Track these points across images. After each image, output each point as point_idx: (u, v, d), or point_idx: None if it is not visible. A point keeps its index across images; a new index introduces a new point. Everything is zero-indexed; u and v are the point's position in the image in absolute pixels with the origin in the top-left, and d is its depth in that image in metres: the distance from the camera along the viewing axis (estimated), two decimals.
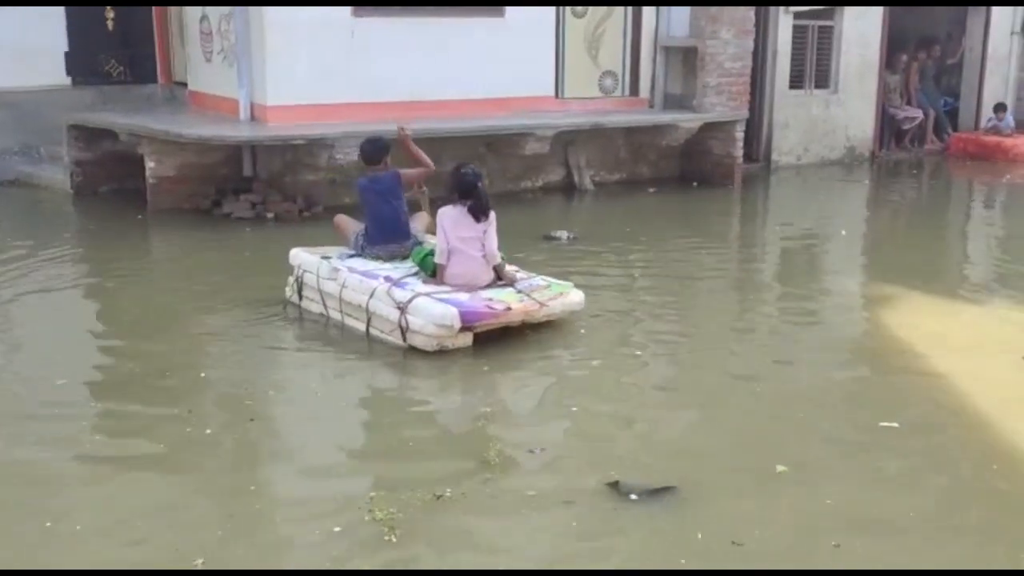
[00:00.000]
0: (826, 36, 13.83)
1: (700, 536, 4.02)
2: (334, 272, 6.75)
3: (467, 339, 6.17)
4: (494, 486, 4.44)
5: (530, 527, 4.14)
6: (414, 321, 6.14)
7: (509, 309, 6.26)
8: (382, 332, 6.39)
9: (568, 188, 12.10)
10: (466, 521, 4.18)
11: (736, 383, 5.78)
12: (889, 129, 15.06)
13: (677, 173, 12.84)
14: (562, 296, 6.56)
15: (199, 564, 3.84)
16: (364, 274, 6.65)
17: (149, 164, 10.31)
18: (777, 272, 8.88)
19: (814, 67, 13.88)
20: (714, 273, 8.45)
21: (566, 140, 11.80)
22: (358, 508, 4.22)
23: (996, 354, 6.23)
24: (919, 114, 15.23)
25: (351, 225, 7.30)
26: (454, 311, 6.06)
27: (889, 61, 14.65)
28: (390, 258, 6.97)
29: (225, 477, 4.64)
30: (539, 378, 5.92)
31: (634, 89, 12.49)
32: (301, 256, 7.09)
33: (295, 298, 7.07)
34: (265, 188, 10.46)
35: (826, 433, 5.07)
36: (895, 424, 5.13)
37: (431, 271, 6.60)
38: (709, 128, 12.23)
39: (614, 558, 3.92)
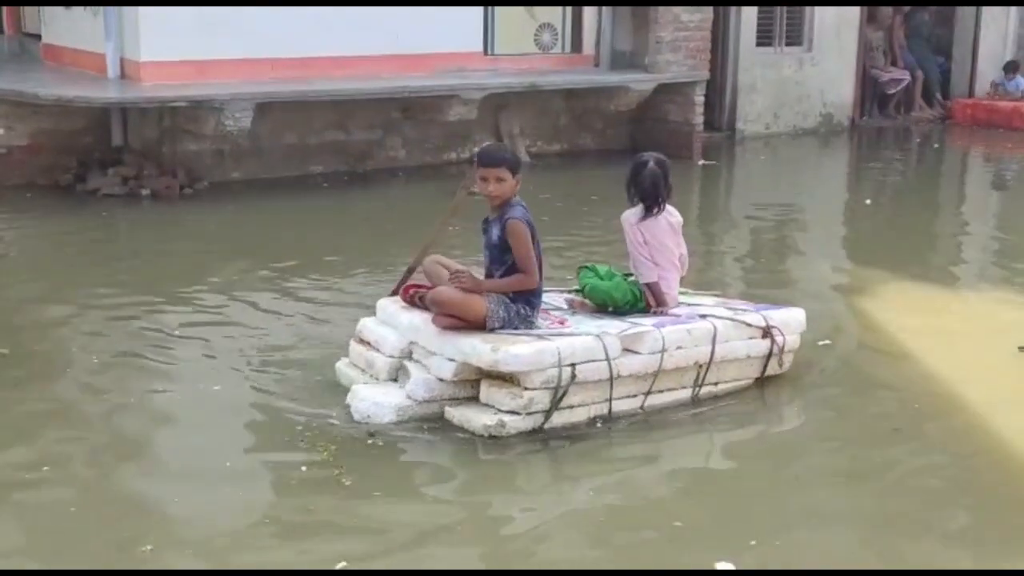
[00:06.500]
0: None
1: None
2: (635, 339, 5.30)
3: None
4: None
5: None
6: (792, 340, 5.81)
7: None
8: (720, 383, 5.62)
9: None
10: None
11: None
12: (871, 93, 15.07)
13: (627, 144, 12.63)
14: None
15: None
16: (674, 322, 5.51)
17: None
18: (744, 259, 8.77)
19: (785, 21, 13.81)
20: None
21: (497, 104, 11.70)
22: None
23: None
24: (905, 76, 15.25)
25: (482, 302, 5.23)
26: (803, 311, 5.99)
27: (871, 14, 14.65)
28: None
29: None
30: None
31: (576, 45, 12.41)
32: (568, 347, 5.11)
33: (531, 422, 5.10)
34: (139, 160, 10.28)
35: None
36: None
37: (631, 301, 5.65)
38: (664, 91, 12.17)
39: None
